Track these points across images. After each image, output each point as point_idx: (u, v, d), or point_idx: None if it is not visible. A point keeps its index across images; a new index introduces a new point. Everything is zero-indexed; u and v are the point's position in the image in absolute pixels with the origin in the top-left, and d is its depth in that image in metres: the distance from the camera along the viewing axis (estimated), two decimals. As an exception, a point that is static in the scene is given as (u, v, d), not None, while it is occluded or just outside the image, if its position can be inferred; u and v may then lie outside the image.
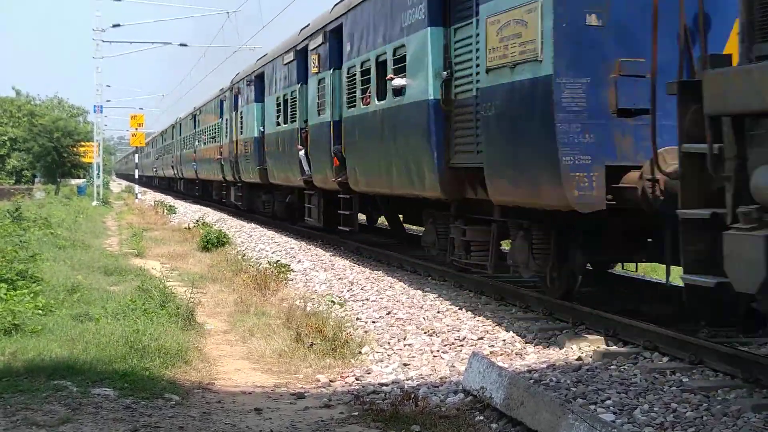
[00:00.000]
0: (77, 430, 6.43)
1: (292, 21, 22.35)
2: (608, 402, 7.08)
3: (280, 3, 34.64)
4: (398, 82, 12.90)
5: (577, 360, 8.55)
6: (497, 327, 10.17)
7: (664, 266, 9.49)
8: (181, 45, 50.59)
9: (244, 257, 17.56)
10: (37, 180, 69.01)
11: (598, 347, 8.89)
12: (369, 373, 8.59)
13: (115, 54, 71.22)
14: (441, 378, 8.23)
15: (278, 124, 22.47)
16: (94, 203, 45.35)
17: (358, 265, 16.25)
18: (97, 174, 50.68)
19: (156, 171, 70.51)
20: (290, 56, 20.93)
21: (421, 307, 11.55)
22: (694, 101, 6.26)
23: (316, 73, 18.30)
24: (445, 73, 11.57)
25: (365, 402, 7.36)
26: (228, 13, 42.27)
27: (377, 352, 9.36)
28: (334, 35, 17.26)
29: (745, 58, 5.84)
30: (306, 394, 7.91)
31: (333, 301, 12.19)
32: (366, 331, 10.36)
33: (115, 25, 46.70)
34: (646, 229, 9.79)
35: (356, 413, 7.17)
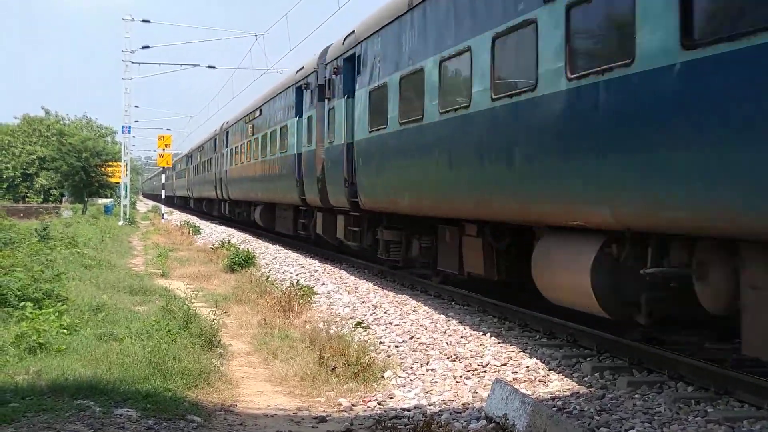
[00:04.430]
0: (99, 451, 6.44)
1: (318, 44, 22.19)
2: None
3: (308, 26, 34.84)
4: None
5: (601, 388, 8.48)
6: (521, 353, 10.12)
7: None
8: (209, 67, 50.97)
9: (269, 279, 17.59)
10: (64, 199, 69.65)
11: (622, 375, 8.82)
12: (391, 398, 8.56)
13: (144, 75, 72.14)
14: (463, 404, 8.18)
15: None
16: (121, 223, 45.62)
17: (382, 288, 16.23)
18: (124, 194, 51.00)
19: (225, 191, 39.81)
20: None
21: (445, 332, 11.51)
22: None
23: None
24: None
25: (387, 427, 7.32)
26: (256, 35, 42.58)
27: (400, 377, 9.33)
28: None
29: None
30: (328, 418, 7.89)
31: (358, 323, 12.17)
32: (389, 356, 10.34)
33: (144, 47, 47.21)
34: None
35: (378, 438, 7.15)
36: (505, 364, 9.66)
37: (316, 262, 22.01)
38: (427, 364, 9.83)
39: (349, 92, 17.35)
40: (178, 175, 74.39)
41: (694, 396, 7.96)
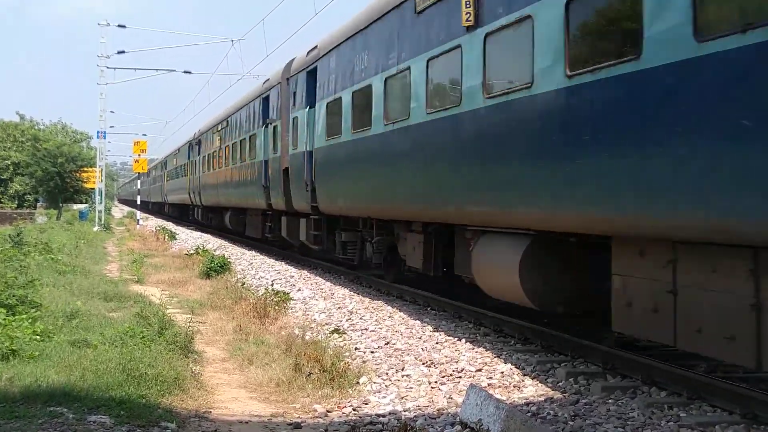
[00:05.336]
0: (72, 458, 6.40)
1: (295, 49, 22.20)
2: (605, 436, 7.06)
3: (284, 32, 34.80)
4: None
5: (575, 393, 8.52)
6: (496, 359, 10.15)
7: None
8: (185, 72, 50.75)
9: (244, 285, 17.55)
10: (39, 204, 69.21)
11: (596, 380, 8.87)
12: (366, 404, 8.56)
13: (120, 80, 71.75)
14: (438, 410, 8.20)
15: None
16: (96, 228, 45.33)
17: (358, 294, 16.23)
18: (99, 199, 50.72)
19: (301, 197, 19.34)
20: None
21: (420, 338, 11.53)
22: None
23: None
24: None
25: (362, 433, 7.33)
26: (232, 41, 42.45)
27: (375, 383, 9.33)
28: None
29: None
30: (303, 424, 7.88)
31: (334, 330, 12.17)
32: (364, 361, 10.34)
33: (119, 52, 46.92)
34: None
35: (352, 444, 7.15)
36: (480, 370, 9.68)
37: (292, 268, 21.98)
38: (403, 369, 9.84)
39: None
40: (171, 175, 58.03)
41: (667, 401, 8.02)
